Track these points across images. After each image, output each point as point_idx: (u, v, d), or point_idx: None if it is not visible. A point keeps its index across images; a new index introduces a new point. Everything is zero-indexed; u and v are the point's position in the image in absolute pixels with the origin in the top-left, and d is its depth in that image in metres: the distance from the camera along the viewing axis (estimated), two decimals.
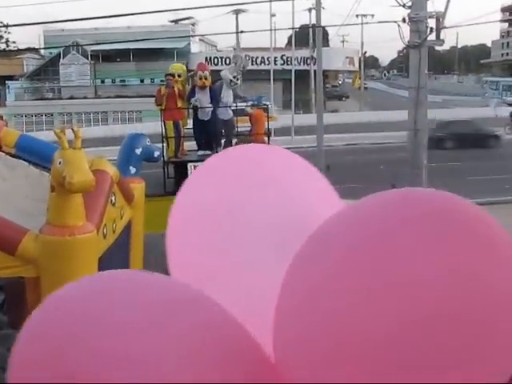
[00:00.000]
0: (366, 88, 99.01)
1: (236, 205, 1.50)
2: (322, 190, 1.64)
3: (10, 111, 61.32)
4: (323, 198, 1.60)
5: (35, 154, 8.27)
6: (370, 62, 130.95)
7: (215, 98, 13.95)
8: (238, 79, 14.52)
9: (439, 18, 11.87)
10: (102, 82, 62.71)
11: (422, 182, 11.65)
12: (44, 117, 60.64)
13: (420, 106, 11.41)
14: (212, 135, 14.21)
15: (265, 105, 14.25)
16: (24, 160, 8.45)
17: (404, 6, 11.59)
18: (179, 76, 14.35)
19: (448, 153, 31.19)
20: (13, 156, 8.51)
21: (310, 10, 55.52)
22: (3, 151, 8.50)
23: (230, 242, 1.50)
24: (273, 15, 41.44)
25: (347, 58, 66.11)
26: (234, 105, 14.56)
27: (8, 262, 6.77)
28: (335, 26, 61.98)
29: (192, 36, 62.12)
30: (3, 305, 8.74)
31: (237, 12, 48.38)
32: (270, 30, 40.85)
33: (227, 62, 59.06)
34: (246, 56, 14.92)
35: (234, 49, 49.28)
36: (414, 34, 11.52)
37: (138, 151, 9.77)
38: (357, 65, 68.77)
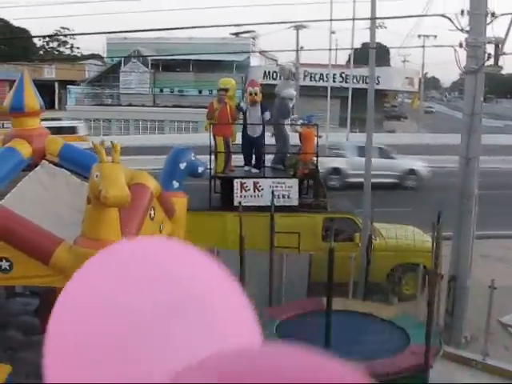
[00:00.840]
0: (431, 112, 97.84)
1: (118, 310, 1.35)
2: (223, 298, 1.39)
3: (69, 115, 62.48)
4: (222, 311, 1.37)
5: (77, 164, 8.31)
6: (431, 83, 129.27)
7: (278, 111, 13.93)
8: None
9: (498, 44, 11.55)
10: (161, 90, 63.43)
11: (471, 212, 11.34)
12: (102, 122, 61.61)
13: (473, 134, 11.10)
14: (260, 153, 14.17)
15: (315, 124, 14.09)
16: (66, 169, 8.50)
17: (462, 30, 11.29)
18: (227, 90, 14.35)
19: None
20: (56, 165, 8.56)
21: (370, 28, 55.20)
22: (47, 159, 8.56)
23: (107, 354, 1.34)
24: (332, 32, 41.09)
25: (407, 78, 65.36)
26: (287, 123, 14.53)
27: (41, 271, 6.82)
28: (392, 47, 61.42)
29: (251, 51, 62.38)
30: (38, 310, 8.82)
31: (297, 28, 48.30)
32: (329, 49, 40.56)
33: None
34: (290, 65, 14.76)
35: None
36: (470, 59, 11.20)
37: (182, 166, 9.75)
38: (416, 86, 67.87)
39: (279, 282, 11.67)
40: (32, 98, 8.52)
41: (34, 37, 78.63)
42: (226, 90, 14.26)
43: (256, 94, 13.97)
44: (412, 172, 26.69)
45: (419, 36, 61.44)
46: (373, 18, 12.30)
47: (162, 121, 61.09)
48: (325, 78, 54.08)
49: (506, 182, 30.21)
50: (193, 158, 9.91)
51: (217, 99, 14.10)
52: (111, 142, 6.72)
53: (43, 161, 8.53)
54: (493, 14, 11.22)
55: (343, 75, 55.80)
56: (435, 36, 56.38)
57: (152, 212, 8.30)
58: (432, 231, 11.73)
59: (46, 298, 7.33)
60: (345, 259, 12.28)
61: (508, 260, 17.74)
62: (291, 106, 14.44)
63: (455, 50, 11.40)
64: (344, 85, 50.20)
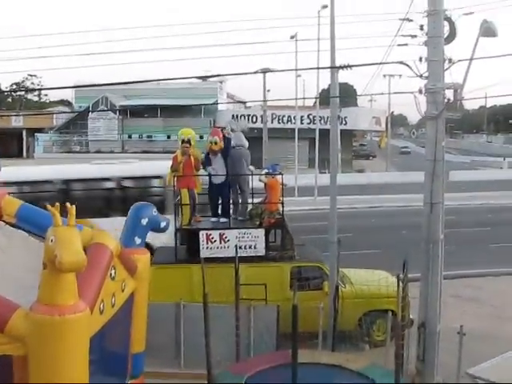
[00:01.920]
0: (407, 152, 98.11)
1: None
2: None
3: (38, 163, 62.14)
4: None
5: (35, 225, 8.13)
6: (399, 120, 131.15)
7: (239, 160, 13.93)
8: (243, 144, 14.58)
9: (457, 89, 11.69)
10: (130, 136, 63.52)
11: (438, 256, 11.31)
12: None
13: (436, 179, 11.13)
14: (225, 200, 14.13)
15: (280, 173, 14.07)
16: (24, 230, 8.33)
17: (421, 76, 11.41)
18: (188, 141, 14.32)
19: None
20: (13, 226, 8.39)
21: (338, 67, 55.87)
22: (3, 221, 8.39)
23: None
24: (298, 76, 41.66)
25: (374, 117, 66.22)
26: (249, 174, 14.50)
27: None
28: (358, 95, 61.88)
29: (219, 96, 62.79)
30: None
31: (264, 71, 48.68)
32: (295, 98, 40.93)
33: (254, 119, 59.59)
34: (242, 118, 14.78)
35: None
36: (430, 105, 11.29)
37: (144, 221, 9.58)
38: (383, 125, 68.74)
39: (248, 335, 11.50)
40: None
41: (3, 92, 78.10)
42: (189, 141, 14.22)
43: (216, 143, 14.00)
44: None
45: (384, 75, 62.45)
46: (333, 67, 12.40)
47: None
48: (292, 120, 54.49)
49: (475, 219, 30.53)
50: (154, 213, 9.76)
51: (181, 151, 14.04)
52: (66, 205, 6.58)
53: (0, 222, 8.36)
54: (450, 60, 11.36)
55: (310, 117, 56.32)
56: (400, 75, 57.34)
57: (113, 271, 8.12)
58: (397, 279, 11.72)
59: (1, 366, 7.06)
60: (314, 309, 12.18)
61: (479, 300, 17.78)
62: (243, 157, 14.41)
63: (415, 96, 11.50)
64: (312, 126, 50.54)
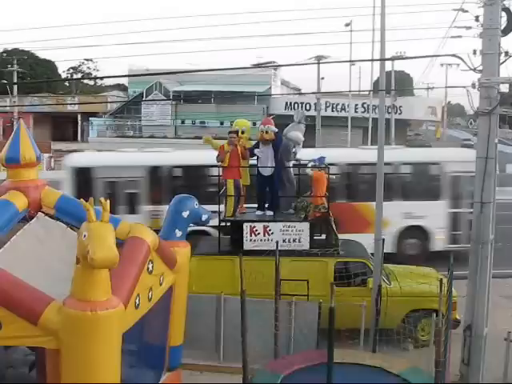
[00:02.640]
0: (470, 145, 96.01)
1: None
2: None
3: (91, 147, 62.98)
4: None
5: (74, 217, 8.11)
6: (456, 110, 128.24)
7: (280, 152, 13.73)
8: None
9: None
10: (183, 122, 63.65)
11: (487, 258, 10.95)
12: None
13: (488, 178, 10.75)
14: (273, 192, 13.92)
15: (326, 166, 13.81)
16: (63, 222, 8.33)
17: (475, 70, 11.01)
18: (243, 132, 14.18)
19: None
20: (52, 217, 8.40)
21: (393, 56, 54.98)
22: (43, 211, 8.40)
23: None
24: (352, 64, 40.99)
25: (430, 107, 64.85)
26: (291, 165, 14.31)
27: (29, 332, 6.63)
28: (412, 86, 60.72)
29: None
30: (34, 366, 8.60)
31: (318, 58, 48.24)
32: (349, 88, 40.35)
33: (307, 107, 59.08)
34: (302, 109, 14.49)
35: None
36: (483, 100, 10.89)
37: (185, 214, 9.51)
38: (439, 115, 67.40)
39: (288, 331, 11.36)
40: (28, 150, 8.41)
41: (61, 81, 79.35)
42: (237, 132, 14.09)
43: (267, 132, 13.76)
44: None
45: (441, 64, 61.28)
46: (384, 59, 12.06)
47: None
48: (346, 109, 53.81)
49: None
50: (196, 206, 9.67)
51: (227, 142, 13.89)
52: (100, 199, 6.53)
53: (39, 213, 8.39)
54: (506, 53, 10.93)
55: (365, 105, 55.52)
56: (458, 64, 56.07)
57: (150, 266, 8.08)
58: (448, 278, 11.42)
59: (42, 355, 7.10)
60: (358, 305, 11.99)
61: None
62: (295, 150, 14.16)
63: (467, 90, 11.10)
64: (365, 115, 49.91)
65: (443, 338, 8.95)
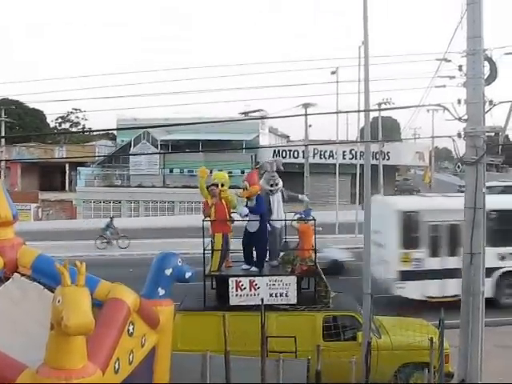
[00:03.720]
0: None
1: None
2: None
3: (79, 197, 62.94)
4: None
5: (52, 277, 7.80)
6: (443, 154, 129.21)
7: (258, 209, 13.56)
8: (276, 184, 14.08)
9: (498, 132, 11.20)
10: (171, 171, 63.71)
11: (478, 309, 10.73)
12: (112, 203, 61.82)
13: (477, 228, 10.60)
14: (258, 248, 13.72)
15: (312, 218, 13.65)
16: (40, 283, 8.06)
17: (460, 119, 10.96)
18: (222, 185, 14.02)
19: None
20: (29, 278, 8.14)
21: (379, 104, 55.41)
22: (19, 272, 8.14)
23: None
24: (340, 112, 41.17)
25: (417, 153, 65.37)
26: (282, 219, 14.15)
27: None
28: (400, 131, 61.02)
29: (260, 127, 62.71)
30: None
31: (306, 106, 48.55)
32: (333, 141, 40.50)
33: (295, 154, 59.30)
34: (273, 158, 14.34)
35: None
36: (470, 149, 10.81)
37: (168, 272, 9.22)
38: (427, 160, 67.83)
39: None
40: (4, 207, 8.19)
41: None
42: (216, 185, 13.92)
43: (246, 189, 13.66)
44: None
45: (428, 110, 61.67)
46: (367, 110, 12.02)
47: (172, 202, 61.18)
48: (334, 156, 54.04)
49: None
50: (179, 263, 9.40)
51: (210, 195, 13.71)
52: (75, 262, 6.29)
53: (15, 274, 8.13)
54: (491, 102, 10.89)
55: (353, 152, 55.82)
56: (443, 111, 56.46)
57: (130, 327, 7.80)
58: (439, 329, 11.18)
59: None
60: (347, 360, 11.68)
61: None
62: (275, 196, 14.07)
63: (453, 140, 11.03)
64: (353, 161, 50.07)
65: None
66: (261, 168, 14.65)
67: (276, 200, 14.17)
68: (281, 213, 14.22)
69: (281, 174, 14.40)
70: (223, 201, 13.76)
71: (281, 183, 14.35)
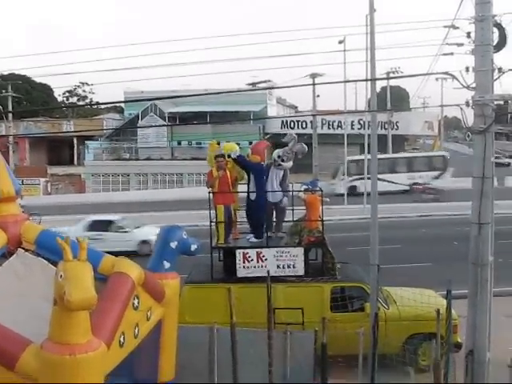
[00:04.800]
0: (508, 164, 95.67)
1: None
2: None
3: (88, 170, 63.01)
4: None
5: (55, 252, 7.73)
6: (453, 123, 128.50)
7: (258, 176, 13.49)
8: (283, 160, 13.89)
9: (507, 100, 11.00)
10: (179, 143, 63.58)
11: (487, 281, 10.63)
12: (121, 177, 61.87)
13: (485, 198, 10.45)
14: (255, 218, 13.65)
15: (319, 189, 13.54)
16: (44, 258, 8.02)
17: (468, 87, 10.74)
18: (229, 156, 13.89)
19: None
20: (33, 253, 8.12)
21: (387, 73, 55.02)
22: (23, 247, 8.11)
23: None
24: (347, 81, 40.80)
25: (426, 122, 64.97)
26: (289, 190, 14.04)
27: (7, 377, 6.31)
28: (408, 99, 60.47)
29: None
30: None
31: (313, 76, 48.21)
32: (341, 112, 40.24)
33: (303, 125, 59.08)
34: (301, 143, 14.08)
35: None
36: (478, 118, 10.61)
37: (173, 245, 9.19)
38: (436, 129, 67.42)
39: (284, 361, 10.99)
40: (7, 183, 8.13)
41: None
42: (223, 155, 13.78)
43: (248, 157, 13.73)
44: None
45: (436, 79, 61.23)
46: (374, 79, 11.83)
47: (181, 174, 61.11)
48: (343, 126, 53.71)
49: None
50: (184, 236, 9.36)
51: (216, 167, 13.60)
52: (77, 238, 6.23)
53: (19, 249, 8.10)
54: (499, 70, 10.66)
55: (361, 122, 55.47)
56: (452, 79, 55.83)
57: (135, 301, 7.78)
58: (447, 300, 11.11)
59: None
60: (355, 331, 11.65)
61: None
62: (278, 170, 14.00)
63: (461, 108, 10.83)
64: (362, 131, 49.73)
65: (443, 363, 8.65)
66: (285, 137, 14.41)
67: (275, 175, 13.97)
68: (274, 188, 14.02)
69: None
70: (227, 172, 13.67)
71: (287, 165, 14.18)
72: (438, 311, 9.23)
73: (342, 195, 43.55)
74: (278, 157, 13.85)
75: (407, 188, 49.91)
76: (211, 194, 13.48)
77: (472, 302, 10.67)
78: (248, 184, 13.86)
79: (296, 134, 14.75)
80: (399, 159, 54.31)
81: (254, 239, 13.64)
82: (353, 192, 46.65)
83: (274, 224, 14.07)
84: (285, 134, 14.72)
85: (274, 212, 14.00)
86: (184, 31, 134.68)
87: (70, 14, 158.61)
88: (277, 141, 14.18)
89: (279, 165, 13.84)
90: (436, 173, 51.90)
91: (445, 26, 11.86)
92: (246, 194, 13.92)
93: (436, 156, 54.30)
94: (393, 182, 48.79)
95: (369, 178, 49.66)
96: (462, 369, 10.94)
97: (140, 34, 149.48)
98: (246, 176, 14.10)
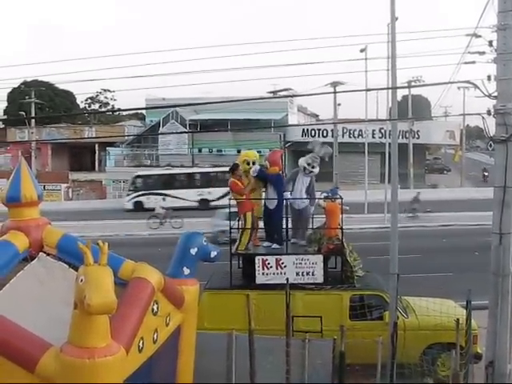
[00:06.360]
0: None
1: None
2: None
3: (109, 176, 63.26)
4: None
5: (77, 257, 7.80)
6: (475, 133, 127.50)
7: (278, 187, 13.59)
8: (313, 167, 14.00)
9: None
10: (200, 150, 63.69)
11: (508, 291, 10.55)
12: None
13: (506, 208, 10.39)
14: (273, 226, 13.72)
15: (339, 197, 13.54)
16: (65, 262, 8.10)
17: (490, 96, 10.71)
18: (253, 163, 14.02)
19: None
20: (54, 257, 8.21)
21: (409, 82, 54.78)
22: (45, 251, 8.20)
23: None
24: (368, 89, 40.69)
25: (448, 131, 64.51)
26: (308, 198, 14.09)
27: (27, 379, 6.39)
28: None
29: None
30: None
31: (335, 84, 48.06)
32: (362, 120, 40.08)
33: (324, 133, 59.01)
34: (326, 145, 14.22)
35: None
36: (500, 127, 10.57)
37: (193, 251, 9.27)
38: (458, 138, 66.92)
39: (302, 369, 10.98)
40: (29, 188, 8.24)
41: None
42: (248, 162, 13.96)
43: (267, 168, 13.86)
44: None
45: (458, 88, 60.85)
46: (394, 88, 11.82)
47: None
48: (363, 134, 53.57)
49: None
50: (204, 243, 9.42)
51: (245, 175, 13.88)
52: (97, 242, 6.29)
53: (40, 253, 8.20)
54: None
55: (382, 130, 55.26)
56: (474, 88, 55.39)
57: (155, 307, 7.84)
58: (467, 310, 11.05)
59: None
60: (374, 340, 11.61)
61: None
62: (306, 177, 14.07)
63: (483, 117, 10.79)
64: (383, 140, 49.56)
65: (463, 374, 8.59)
66: (310, 144, 14.58)
67: (302, 181, 14.10)
68: (303, 195, 14.14)
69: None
70: (246, 179, 13.86)
71: (316, 171, 14.30)
72: (457, 321, 9.17)
73: (130, 211, 46.59)
74: (308, 164, 13.96)
75: (196, 204, 50.13)
76: (234, 201, 13.64)
77: (493, 312, 10.60)
78: (265, 192, 14.00)
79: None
80: (190, 174, 54.58)
81: (275, 245, 13.68)
82: (139, 208, 48.23)
83: (296, 231, 14.14)
84: (307, 143, 14.83)
85: (297, 219, 14.10)
86: (205, 38, 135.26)
87: (73, 15, 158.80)
88: (297, 148, 14.22)
89: (310, 172, 13.95)
90: (226, 189, 50.85)
91: (467, 35, 11.82)
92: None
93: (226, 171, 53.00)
94: (180, 198, 49.09)
95: (153, 194, 50.72)
96: (481, 380, 10.88)
97: (161, 39, 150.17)
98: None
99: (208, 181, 52.15)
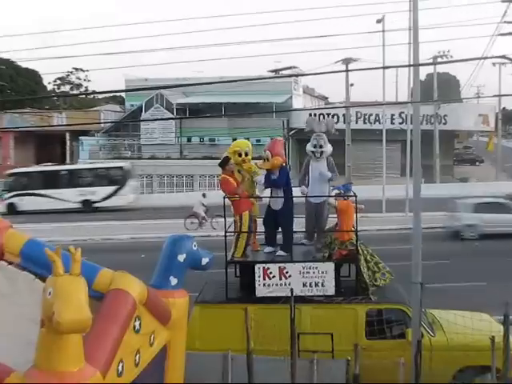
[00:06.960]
0: None
1: None
2: None
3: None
4: None
5: (44, 266, 7.82)
6: None
7: (283, 181, 13.55)
8: (321, 146, 13.99)
9: None
10: (189, 140, 63.74)
11: None
12: None
13: None
14: (284, 229, 13.70)
15: (353, 194, 13.50)
16: (30, 272, 8.11)
17: None
18: (246, 154, 13.98)
19: None
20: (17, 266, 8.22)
21: (434, 58, 54.79)
22: (6, 260, 8.21)
23: None
24: (386, 67, 40.76)
25: (480, 115, 64.45)
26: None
27: None
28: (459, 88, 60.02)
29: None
30: None
31: (347, 61, 48.06)
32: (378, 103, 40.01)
33: (335, 119, 59.02)
34: (323, 117, 14.24)
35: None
36: None
37: (181, 258, 9.23)
38: (492, 124, 66.90)
39: None
40: None
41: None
42: (229, 158, 13.93)
43: (268, 160, 13.65)
44: None
45: (494, 64, 60.90)
46: (417, 65, 11.80)
47: (191, 176, 61.20)
48: (381, 120, 53.63)
49: None
50: (194, 248, 9.39)
51: (237, 169, 13.85)
52: (69, 248, 6.28)
53: (1, 262, 8.21)
54: None
55: (403, 115, 55.33)
56: (510, 61, 55.23)
57: (137, 323, 7.84)
58: (504, 326, 11.05)
59: None
60: (395, 361, 11.64)
61: None
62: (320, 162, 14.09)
63: None
64: (403, 126, 49.65)
65: None
66: (306, 126, 14.56)
67: (316, 169, 14.11)
68: (321, 187, 14.15)
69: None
70: (235, 174, 13.81)
71: (329, 148, 14.32)
72: (492, 339, 9.17)
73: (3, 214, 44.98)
74: (314, 146, 13.97)
75: (79, 206, 50.33)
76: (228, 200, 13.58)
77: None
78: (270, 190, 13.94)
79: None
80: (70, 171, 54.62)
81: (280, 252, 13.66)
82: (12, 210, 48.26)
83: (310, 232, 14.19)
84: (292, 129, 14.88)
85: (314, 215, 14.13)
86: (196, 8, 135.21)
87: None
88: (303, 136, 14.17)
89: (321, 153, 13.99)
90: (113, 188, 51.66)
91: (503, 1, 11.81)
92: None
93: (113, 168, 53.63)
94: (59, 199, 49.33)
95: (28, 195, 51.24)
96: None
97: (143, 10, 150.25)
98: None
99: (93, 179, 52.49)
